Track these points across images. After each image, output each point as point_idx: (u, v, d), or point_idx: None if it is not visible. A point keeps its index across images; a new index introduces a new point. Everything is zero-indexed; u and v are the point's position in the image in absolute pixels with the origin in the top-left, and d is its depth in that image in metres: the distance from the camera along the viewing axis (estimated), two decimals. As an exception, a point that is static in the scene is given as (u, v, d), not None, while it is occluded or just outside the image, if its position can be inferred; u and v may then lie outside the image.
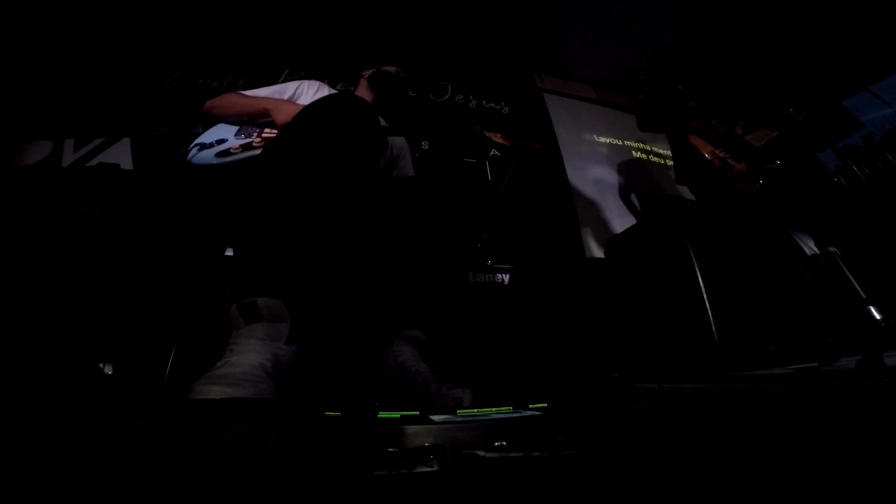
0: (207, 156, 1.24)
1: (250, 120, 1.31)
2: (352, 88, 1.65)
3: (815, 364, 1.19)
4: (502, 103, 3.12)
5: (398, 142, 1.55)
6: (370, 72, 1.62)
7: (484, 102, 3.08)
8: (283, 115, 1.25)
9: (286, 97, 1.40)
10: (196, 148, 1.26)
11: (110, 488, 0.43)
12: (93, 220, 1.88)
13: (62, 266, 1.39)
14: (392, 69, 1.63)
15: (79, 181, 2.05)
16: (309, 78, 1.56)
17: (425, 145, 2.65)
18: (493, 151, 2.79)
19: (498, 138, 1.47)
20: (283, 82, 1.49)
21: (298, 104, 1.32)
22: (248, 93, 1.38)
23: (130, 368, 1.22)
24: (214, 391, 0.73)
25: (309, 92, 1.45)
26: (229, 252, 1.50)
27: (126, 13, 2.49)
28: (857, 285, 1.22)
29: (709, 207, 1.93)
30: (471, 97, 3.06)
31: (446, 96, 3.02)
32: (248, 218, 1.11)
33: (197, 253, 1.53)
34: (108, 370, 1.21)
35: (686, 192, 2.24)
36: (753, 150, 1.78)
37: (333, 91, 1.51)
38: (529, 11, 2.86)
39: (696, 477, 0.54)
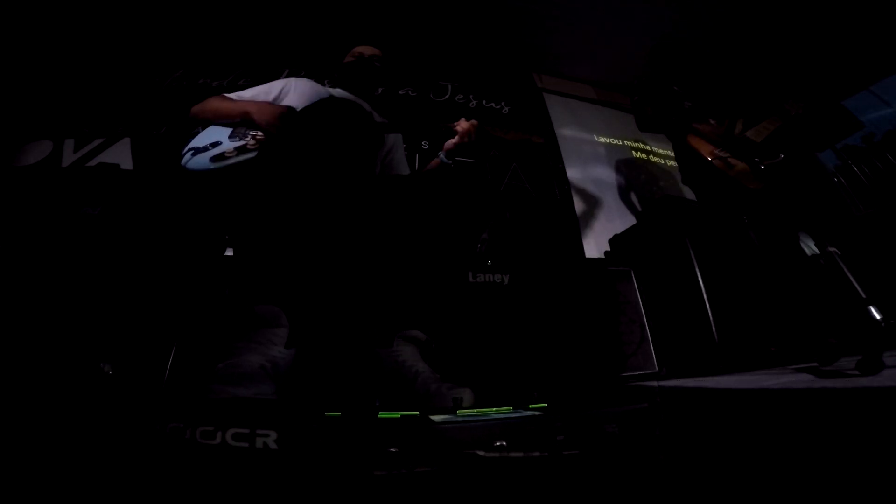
0: (202, 160, 1.22)
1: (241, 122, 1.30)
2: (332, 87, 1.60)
3: (815, 364, 1.19)
4: (502, 103, 3.12)
5: (391, 136, 1.54)
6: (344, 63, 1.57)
7: (484, 102, 3.08)
8: (265, 117, 1.24)
9: (272, 97, 1.38)
10: (190, 153, 1.24)
11: (112, 487, 0.43)
12: (93, 220, 1.88)
13: (62, 266, 1.39)
14: (366, 50, 1.56)
15: (79, 181, 2.05)
16: (308, 77, 1.55)
17: (425, 145, 2.64)
18: (493, 151, 2.79)
19: (502, 134, 1.46)
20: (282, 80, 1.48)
21: (279, 105, 1.31)
22: (233, 95, 1.37)
23: (130, 368, 1.21)
24: (215, 389, 0.73)
25: (296, 90, 1.42)
26: (229, 252, 1.50)
27: (126, 13, 2.49)
28: (857, 285, 1.22)
29: (710, 207, 1.92)
30: (471, 97, 3.06)
31: (446, 96, 3.02)
32: (246, 223, 1.11)
33: (197, 253, 1.53)
34: (108, 370, 1.21)
35: (689, 193, 2.24)
36: (754, 147, 1.78)
37: (321, 88, 1.48)
38: (529, 11, 2.86)
39: (696, 476, 0.54)
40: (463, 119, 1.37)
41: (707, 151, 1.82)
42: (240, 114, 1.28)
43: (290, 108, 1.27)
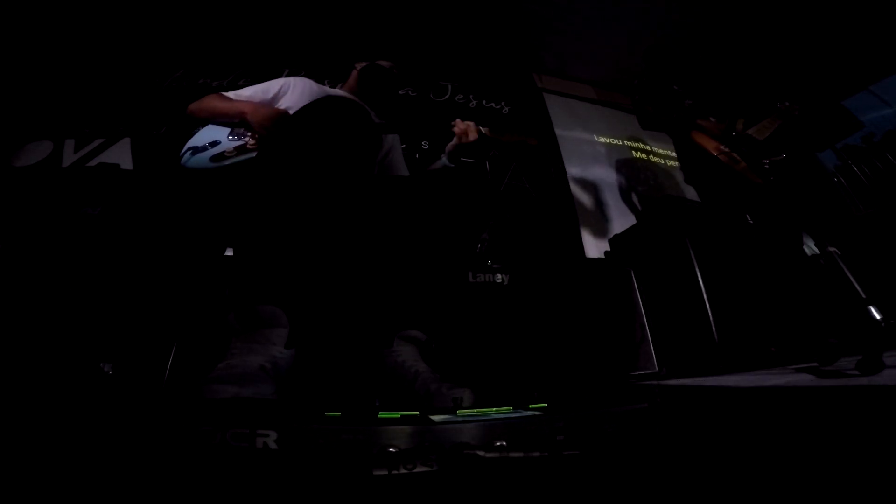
0: (201, 160, 1.22)
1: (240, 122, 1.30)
2: (340, 85, 1.61)
3: (815, 364, 1.19)
4: (502, 103, 3.12)
5: (389, 136, 1.54)
6: (363, 64, 1.59)
7: (484, 102, 3.08)
8: (259, 119, 1.24)
9: (270, 96, 1.38)
10: (189, 152, 1.23)
11: (110, 487, 0.43)
12: (93, 220, 1.88)
13: (62, 266, 1.39)
14: (386, 64, 1.60)
15: (79, 181, 2.05)
16: (308, 77, 1.55)
17: (425, 145, 2.64)
18: (493, 151, 2.79)
19: (497, 136, 1.46)
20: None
21: (274, 108, 1.30)
22: (231, 94, 1.36)
23: (130, 368, 1.21)
24: (215, 389, 0.73)
25: (295, 89, 1.41)
26: (229, 252, 1.50)
27: (126, 13, 2.49)
28: (857, 285, 1.22)
29: (714, 206, 1.93)
30: (471, 97, 3.06)
31: (446, 96, 3.01)
32: (247, 223, 1.11)
33: (197, 253, 1.53)
34: (108, 370, 1.21)
35: (690, 192, 2.24)
36: (757, 144, 1.78)
37: (320, 87, 1.48)
38: (530, 12, 2.86)
39: (696, 476, 0.54)
40: (459, 120, 1.38)
41: (712, 147, 1.82)
42: (236, 114, 1.28)
43: (284, 112, 1.27)
